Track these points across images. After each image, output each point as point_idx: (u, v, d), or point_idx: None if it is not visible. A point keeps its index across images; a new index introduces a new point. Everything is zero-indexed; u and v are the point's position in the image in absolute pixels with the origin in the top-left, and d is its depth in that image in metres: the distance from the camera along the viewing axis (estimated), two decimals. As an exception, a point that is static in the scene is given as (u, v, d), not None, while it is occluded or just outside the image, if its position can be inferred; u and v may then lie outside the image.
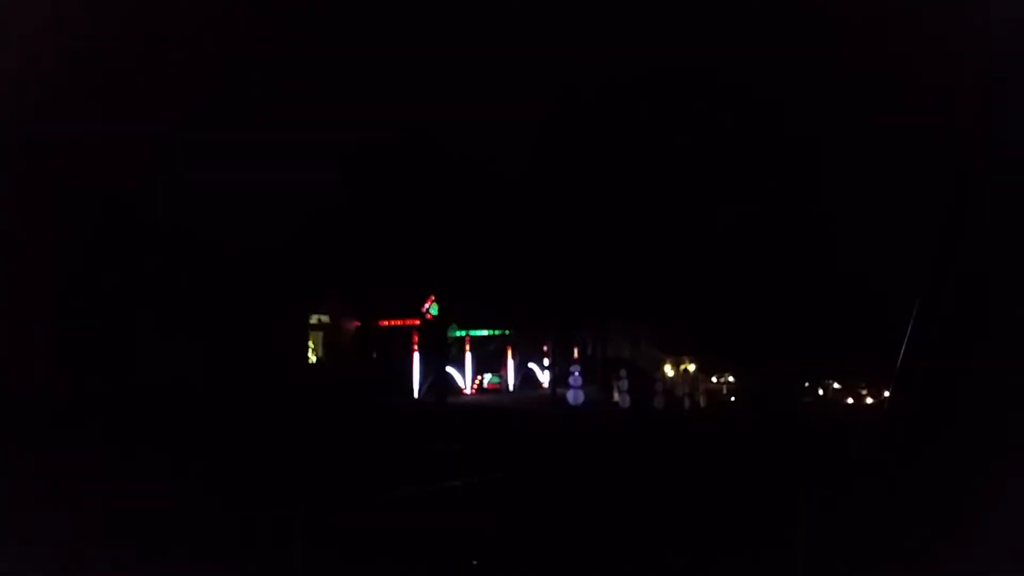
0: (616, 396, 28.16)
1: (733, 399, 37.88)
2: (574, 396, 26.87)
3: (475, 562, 7.47)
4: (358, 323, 30.40)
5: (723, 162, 30.53)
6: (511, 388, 34.22)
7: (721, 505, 10.54)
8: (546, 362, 33.98)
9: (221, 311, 26.59)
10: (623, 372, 28.86)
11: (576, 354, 33.22)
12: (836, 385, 40.76)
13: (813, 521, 7.33)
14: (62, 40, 16.75)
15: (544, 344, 34.14)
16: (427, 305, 29.40)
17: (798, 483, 11.45)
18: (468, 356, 32.50)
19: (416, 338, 31.05)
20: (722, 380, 40.24)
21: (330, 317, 30.21)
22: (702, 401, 33.38)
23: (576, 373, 27.85)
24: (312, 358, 29.56)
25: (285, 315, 28.82)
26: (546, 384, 33.61)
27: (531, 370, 35.41)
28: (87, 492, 9.09)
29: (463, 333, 31.28)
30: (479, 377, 33.28)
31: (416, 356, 30.15)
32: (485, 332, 32.53)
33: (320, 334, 30.16)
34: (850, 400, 39.37)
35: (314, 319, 29.54)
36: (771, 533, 8.14)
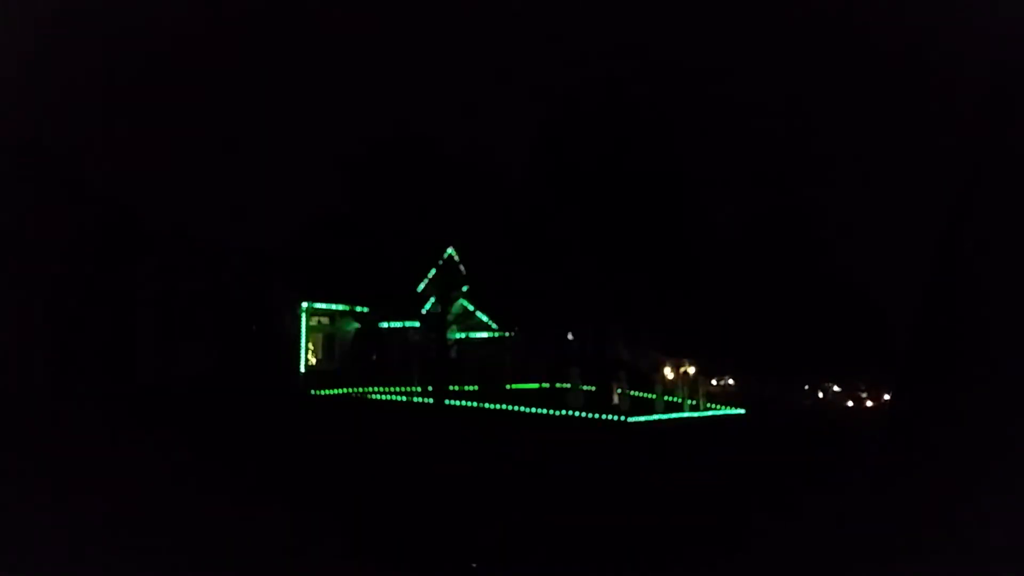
0: (615, 399, 28.03)
1: (732, 402, 37.79)
2: (573, 398, 26.77)
3: (474, 565, 7.44)
4: (357, 324, 30.38)
5: (723, 162, 30.49)
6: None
7: (722, 508, 10.51)
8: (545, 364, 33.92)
9: (220, 312, 26.60)
10: (622, 375, 28.74)
11: (575, 356, 33.10)
12: (836, 388, 40.68)
13: (814, 522, 7.31)
14: (63, 42, 16.76)
15: (543, 346, 34.05)
16: (426, 306, 29.38)
17: (799, 485, 11.43)
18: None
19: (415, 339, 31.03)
20: (721, 383, 40.14)
21: (329, 319, 30.21)
22: (701, 404, 33.29)
23: (575, 375, 27.73)
24: (312, 360, 29.53)
25: (284, 316, 28.84)
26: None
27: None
28: (86, 492, 9.06)
29: (462, 335, 31.23)
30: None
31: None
32: (484, 334, 32.48)
33: (320, 335, 30.15)
34: (850, 403, 39.30)
35: (313, 320, 29.54)
36: (774, 534, 8.12)
